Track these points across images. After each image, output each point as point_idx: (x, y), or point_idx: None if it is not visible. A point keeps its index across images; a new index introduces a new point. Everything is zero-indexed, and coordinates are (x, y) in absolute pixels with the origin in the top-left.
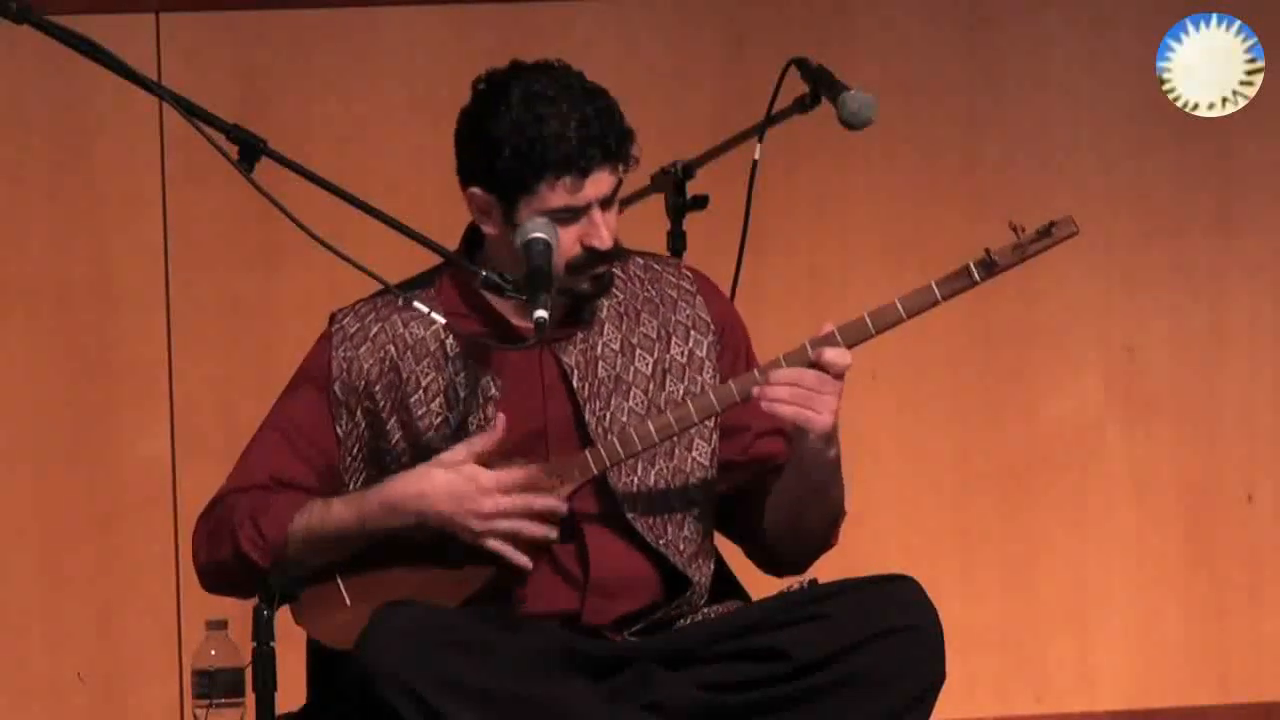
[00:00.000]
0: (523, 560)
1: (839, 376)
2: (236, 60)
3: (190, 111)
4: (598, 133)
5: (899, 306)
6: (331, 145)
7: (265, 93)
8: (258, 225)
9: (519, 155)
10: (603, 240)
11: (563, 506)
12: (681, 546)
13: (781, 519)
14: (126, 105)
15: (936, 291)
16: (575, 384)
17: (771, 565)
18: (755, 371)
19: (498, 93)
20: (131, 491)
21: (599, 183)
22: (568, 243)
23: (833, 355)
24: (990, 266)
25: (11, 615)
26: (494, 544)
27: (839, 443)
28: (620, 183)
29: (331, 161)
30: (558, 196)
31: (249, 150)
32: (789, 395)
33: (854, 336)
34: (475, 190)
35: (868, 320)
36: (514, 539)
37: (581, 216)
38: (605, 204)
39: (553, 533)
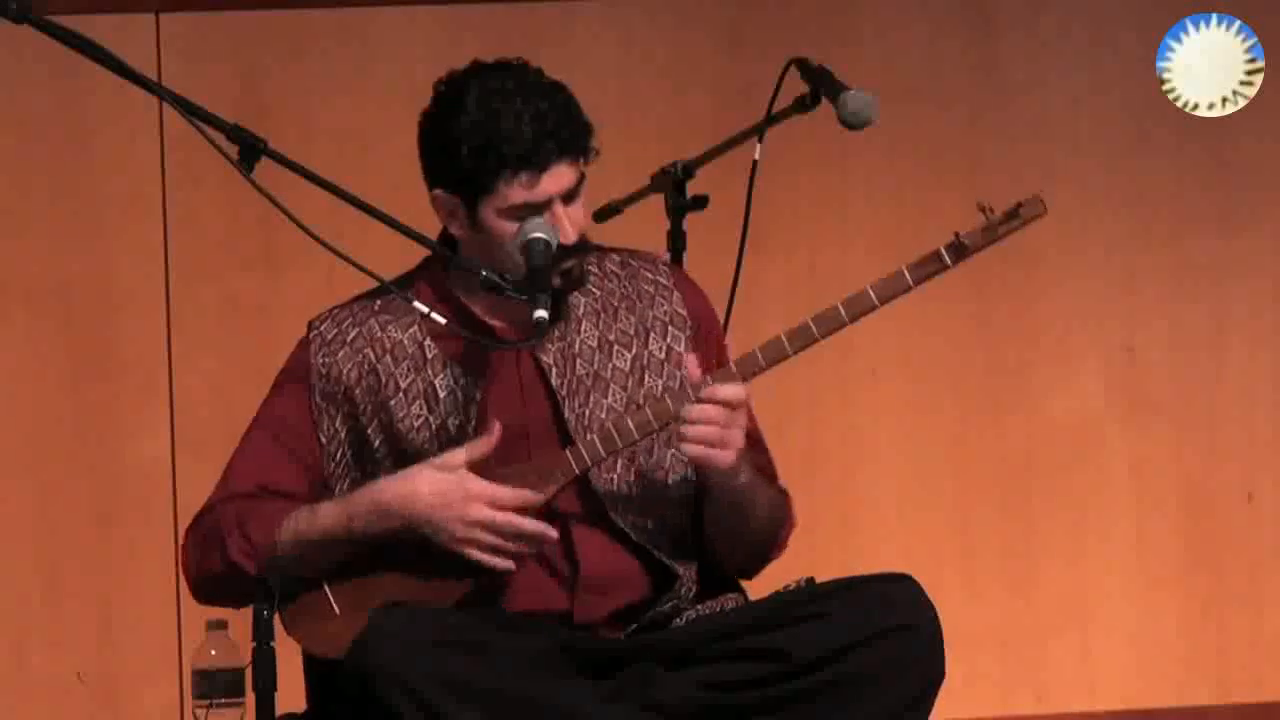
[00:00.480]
0: (502, 565)
1: (737, 409)
2: (236, 60)
3: (190, 111)
4: (552, 127)
5: (871, 294)
6: (331, 145)
7: (265, 93)
8: (258, 226)
9: (476, 154)
10: (566, 235)
11: (552, 534)
12: (666, 541)
13: (714, 532)
14: (126, 105)
15: (908, 276)
16: (554, 382)
17: (719, 570)
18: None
19: (455, 93)
20: (131, 491)
21: (558, 177)
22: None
23: (728, 393)
24: (960, 250)
25: (11, 615)
26: (472, 552)
27: (749, 467)
28: (583, 177)
29: (331, 161)
30: (516, 193)
31: (249, 150)
32: (696, 435)
33: (829, 326)
34: (438, 192)
35: (840, 309)
36: (493, 551)
37: (544, 212)
38: (567, 198)
39: (533, 550)
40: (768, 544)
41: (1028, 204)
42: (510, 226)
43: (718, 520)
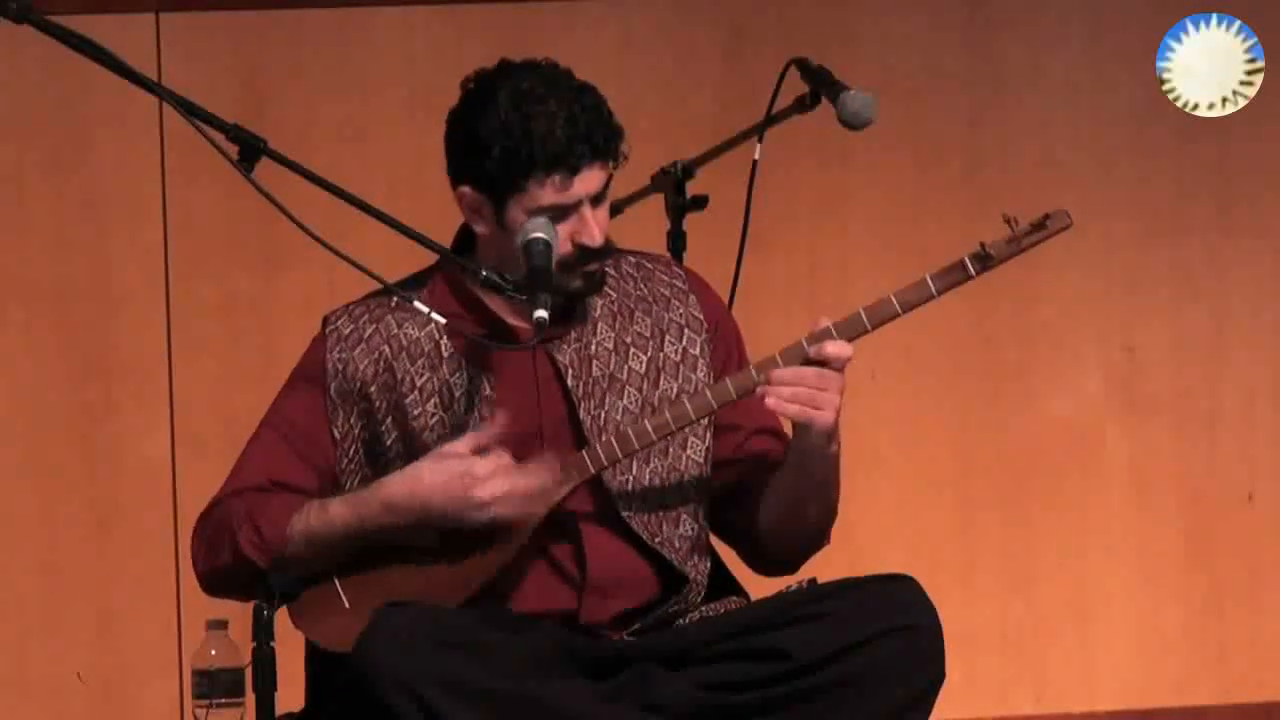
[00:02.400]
0: (528, 516)
1: (840, 370)
2: (236, 60)
3: (190, 111)
4: (585, 130)
5: (894, 301)
6: (331, 145)
7: (265, 93)
8: (258, 225)
9: (508, 154)
10: (593, 237)
11: (555, 475)
12: (678, 544)
13: (778, 516)
14: (126, 105)
15: (931, 286)
16: (570, 383)
17: (764, 564)
18: (752, 370)
19: (486, 92)
20: (131, 491)
21: (588, 180)
22: (558, 240)
23: (834, 349)
24: (985, 260)
25: (11, 615)
26: (494, 512)
27: (839, 439)
28: (610, 179)
29: (331, 161)
30: (547, 194)
31: (249, 150)
32: (792, 394)
33: (849, 332)
34: (465, 189)
35: (863, 315)
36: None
37: (571, 214)
38: (595, 201)
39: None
40: (826, 530)
41: (1055, 216)
42: None
43: (798, 494)
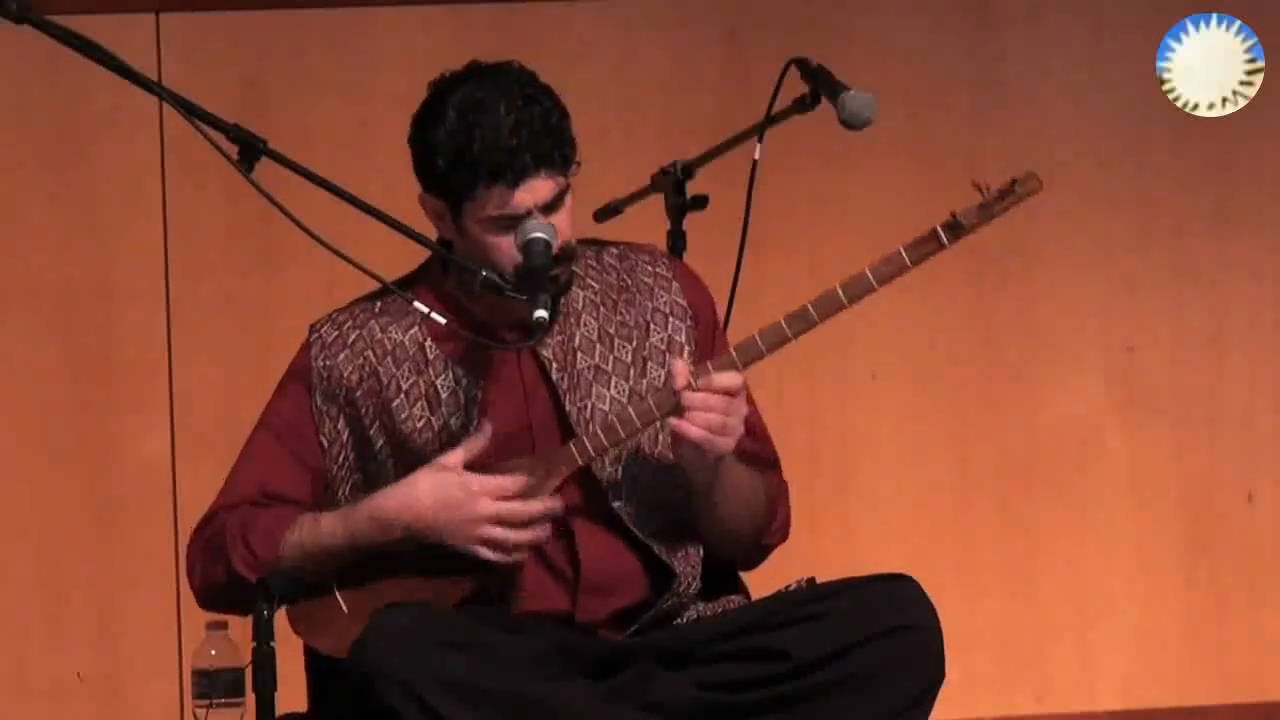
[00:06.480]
0: (511, 560)
1: (736, 397)
2: (236, 60)
3: (190, 111)
4: (528, 141)
5: (869, 275)
6: (331, 145)
7: (265, 93)
8: (258, 225)
9: (452, 165)
10: None
11: (558, 505)
12: (668, 536)
13: (698, 519)
14: (126, 105)
15: (905, 257)
16: (554, 376)
17: (716, 559)
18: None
19: (439, 100)
20: (131, 491)
21: (534, 190)
22: (510, 248)
23: (726, 381)
24: (957, 229)
25: (11, 615)
26: (483, 551)
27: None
28: (566, 186)
29: (331, 161)
30: (492, 205)
31: (249, 150)
32: (705, 421)
33: (828, 308)
34: (426, 195)
35: (839, 291)
36: (503, 546)
37: (523, 223)
38: (548, 209)
39: (544, 534)
40: (753, 531)
41: (1023, 180)
42: (490, 236)
43: (701, 507)
